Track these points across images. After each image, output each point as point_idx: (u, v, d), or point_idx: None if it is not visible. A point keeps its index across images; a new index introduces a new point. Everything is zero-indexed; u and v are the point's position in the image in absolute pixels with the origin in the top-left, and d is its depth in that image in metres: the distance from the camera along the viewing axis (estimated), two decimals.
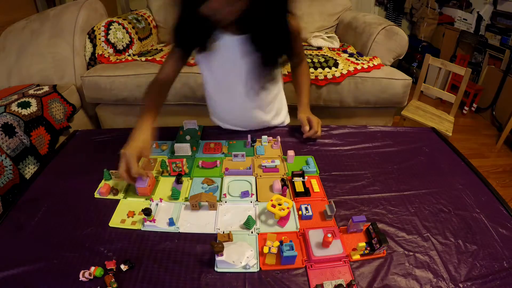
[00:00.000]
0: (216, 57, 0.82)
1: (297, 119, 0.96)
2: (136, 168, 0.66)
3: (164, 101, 0.89)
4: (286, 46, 0.80)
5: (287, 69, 1.01)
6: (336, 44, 2.06)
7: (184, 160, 0.76)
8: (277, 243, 0.56)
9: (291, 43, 0.80)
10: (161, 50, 2.00)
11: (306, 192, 0.71)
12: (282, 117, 1.03)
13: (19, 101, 1.33)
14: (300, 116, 0.93)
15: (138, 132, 0.71)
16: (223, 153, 0.84)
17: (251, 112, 0.93)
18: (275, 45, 0.76)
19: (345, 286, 0.51)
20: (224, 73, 0.86)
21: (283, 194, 0.69)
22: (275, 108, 0.98)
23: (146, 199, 0.69)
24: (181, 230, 0.62)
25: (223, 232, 0.60)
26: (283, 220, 0.63)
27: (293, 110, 1.04)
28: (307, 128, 0.89)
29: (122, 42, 1.86)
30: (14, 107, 1.28)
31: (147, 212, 0.61)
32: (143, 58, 1.77)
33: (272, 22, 0.71)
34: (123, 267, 0.53)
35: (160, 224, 0.62)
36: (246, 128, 0.96)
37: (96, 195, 0.70)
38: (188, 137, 0.90)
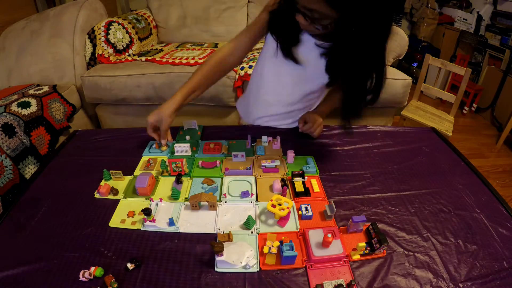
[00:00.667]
0: (285, 65, 0.79)
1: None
2: (150, 131, 0.80)
3: (217, 80, 0.87)
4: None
5: None
6: None
7: (184, 160, 0.76)
8: (277, 243, 0.56)
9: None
10: (161, 50, 2.00)
11: (306, 192, 0.71)
12: None
13: (19, 101, 1.34)
14: (304, 115, 0.92)
15: (165, 103, 0.80)
16: (223, 153, 0.84)
17: (291, 109, 0.93)
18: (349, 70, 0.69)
19: (345, 286, 0.51)
20: (291, 68, 0.80)
21: (283, 194, 0.69)
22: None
23: (146, 199, 0.69)
24: (181, 230, 0.62)
25: (223, 232, 0.60)
26: (283, 220, 0.63)
27: None
28: (301, 124, 0.89)
29: (122, 42, 1.87)
30: (14, 107, 1.28)
31: (147, 212, 0.61)
32: (143, 58, 1.77)
33: (359, 50, 0.64)
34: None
35: (160, 224, 0.62)
36: (276, 125, 0.97)
37: (96, 195, 0.70)
38: (188, 137, 0.90)
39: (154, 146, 0.87)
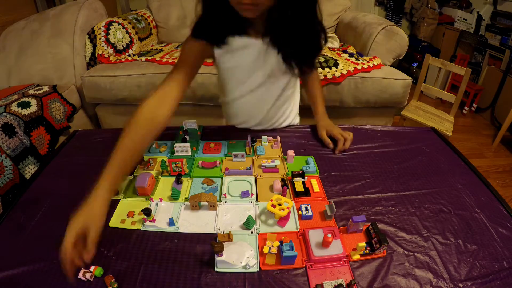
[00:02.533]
0: (238, 56, 0.80)
1: (304, 118, 0.97)
2: (69, 248, 0.49)
3: (151, 141, 0.71)
4: (309, 49, 0.77)
5: (323, 73, 0.98)
6: (336, 44, 2.06)
7: (184, 160, 0.76)
8: (277, 243, 0.56)
9: (315, 48, 0.77)
10: (161, 50, 2.00)
11: (306, 192, 0.71)
12: (293, 117, 1.02)
13: (19, 101, 1.34)
14: (321, 134, 0.89)
15: (90, 201, 0.55)
16: (225, 154, 0.84)
17: (265, 110, 0.92)
18: (298, 46, 0.74)
19: (345, 286, 0.51)
20: (245, 70, 0.83)
21: (283, 194, 0.69)
22: (290, 107, 0.97)
23: (146, 199, 0.69)
24: (181, 230, 0.62)
25: (223, 232, 0.60)
26: (283, 220, 0.63)
27: (301, 110, 1.05)
28: (331, 146, 0.87)
29: (122, 42, 1.87)
30: (14, 107, 1.28)
31: (147, 212, 0.61)
32: (143, 58, 1.77)
33: (299, 23, 0.69)
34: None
35: (160, 224, 0.62)
36: (257, 126, 0.96)
37: None
38: (188, 137, 0.90)
39: (154, 146, 0.87)
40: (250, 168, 0.77)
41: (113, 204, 0.68)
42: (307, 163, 0.81)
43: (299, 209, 0.66)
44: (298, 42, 0.73)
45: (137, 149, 0.64)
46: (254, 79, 0.85)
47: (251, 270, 0.54)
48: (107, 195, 0.57)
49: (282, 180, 0.71)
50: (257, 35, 0.77)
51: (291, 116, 1.00)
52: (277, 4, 0.64)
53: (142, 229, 0.62)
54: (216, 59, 0.83)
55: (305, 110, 1.02)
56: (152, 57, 1.77)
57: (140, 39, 2.05)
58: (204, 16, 0.73)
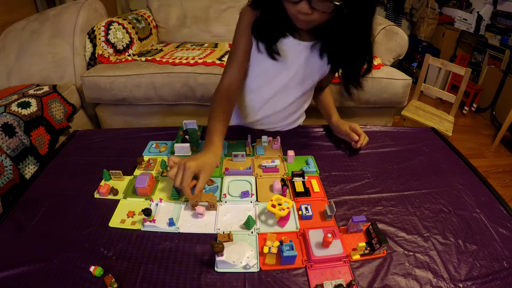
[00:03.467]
0: (271, 61, 0.79)
1: (305, 118, 0.97)
2: (188, 181, 0.61)
3: (232, 109, 0.82)
4: (360, 66, 0.75)
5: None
6: None
7: None
8: (277, 243, 0.56)
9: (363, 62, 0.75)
10: (161, 50, 2.00)
11: (306, 192, 0.71)
12: (296, 124, 1.02)
13: (19, 101, 1.34)
14: (345, 129, 0.89)
15: (208, 153, 0.66)
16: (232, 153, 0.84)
17: (286, 113, 0.93)
18: (351, 59, 0.74)
19: (345, 286, 0.51)
20: (276, 65, 0.81)
21: (283, 194, 0.69)
22: (296, 115, 0.98)
23: (146, 199, 0.69)
24: (181, 230, 0.62)
25: (223, 232, 0.60)
26: (283, 220, 0.63)
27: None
28: (356, 138, 0.86)
29: (122, 42, 1.87)
30: (14, 107, 1.28)
31: (147, 212, 0.61)
32: (143, 58, 1.77)
33: (354, 38, 0.68)
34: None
35: (160, 224, 0.62)
36: (259, 125, 0.96)
37: (96, 195, 0.70)
38: (188, 137, 0.90)
39: (154, 146, 0.87)
40: (250, 168, 0.77)
41: (113, 204, 0.68)
42: (307, 163, 0.81)
43: (299, 209, 0.66)
44: (351, 55, 0.72)
45: (227, 119, 0.78)
46: (280, 78, 0.84)
47: (251, 270, 0.54)
48: (218, 151, 0.69)
49: (282, 180, 0.71)
50: (302, 38, 0.77)
51: (295, 123, 1.00)
52: (334, 19, 0.63)
53: (142, 229, 0.62)
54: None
55: (305, 110, 1.02)
56: (152, 57, 1.77)
57: (140, 39, 2.05)
58: (261, 16, 0.74)
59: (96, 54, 1.77)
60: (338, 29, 0.67)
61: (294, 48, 0.78)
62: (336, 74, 0.84)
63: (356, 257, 0.57)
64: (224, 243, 0.54)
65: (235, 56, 0.81)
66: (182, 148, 0.83)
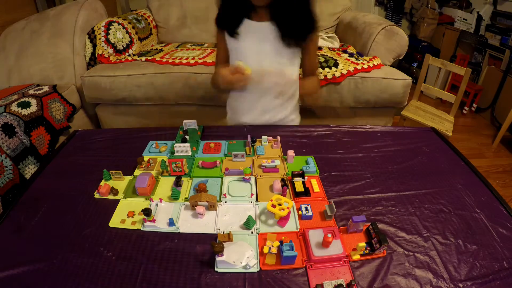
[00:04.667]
0: (244, 42, 0.91)
1: (304, 118, 1.01)
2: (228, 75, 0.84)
3: None
4: (305, 29, 0.90)
5: (323, 73, 1.07)
6: (336, 44, 2.06)
7: (184, 160, 0.76)
8: (277, 243, 0.56)
9: (309, 28, 0.91)
10: (161, 50, 2.00)
11: (306, 192, 0.71)
12: (295, 116, 1.07)
13: (19, 101, 1.33)
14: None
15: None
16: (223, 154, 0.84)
17: (270, 104, 0.98)
18: (297, 27, 0.88)
19: (345, 286, 0.51)
20: (250, 56, 0.91)
21: (283, 194, 0.69)
22: (292, 106, 1.02)
23: (146, 199, 0.69)
24: (181, 230, 0.62)
25: (223, 232, 0.60)
26: (283, 220, 0.63)
27: (301, 110, 1.06)
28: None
29: (122, 42, 1.86)
30: (14, 107, 1.28)
31: (147, 212, 0.61)
32: (143, 58, 1.77)
33: (297, 9, 0.84)
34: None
35: (160, 224, 0.62)
36: (261, 122, 1.00)
37: (96, 195, 0.70)
38: (187, 137, 0.90)
39: (154, 146, 0.87)
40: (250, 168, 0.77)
41: (113, 204, 0.68)
42: (307, 163, 0.81)
43: (299, 209, 0.66)
44: (296, 21, 0.87)
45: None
46: (258, 62, 0.89)
47: (251, 270, 0.54)
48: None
49: (282, 180, 0.71)
50: (260, 19, 0.89)
51: (290, 116, 1.02)
52: None
53: (142, 229, 0.62)
54: (227, 43, 0.95)
55: (306, 110, 1.02)
56: (152, 57, 1.77)
57: (140, 39, 2.05)
58: (222, 6, 0.89)
59: (96, 54, 1.77)
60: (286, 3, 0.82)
61: (257, 28, 0.89)
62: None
63: (356, 257, 0.57)
64: (224, 243, 0.54)
65: (217, 58, 1.02)
66: (182, 148, 0.83)
